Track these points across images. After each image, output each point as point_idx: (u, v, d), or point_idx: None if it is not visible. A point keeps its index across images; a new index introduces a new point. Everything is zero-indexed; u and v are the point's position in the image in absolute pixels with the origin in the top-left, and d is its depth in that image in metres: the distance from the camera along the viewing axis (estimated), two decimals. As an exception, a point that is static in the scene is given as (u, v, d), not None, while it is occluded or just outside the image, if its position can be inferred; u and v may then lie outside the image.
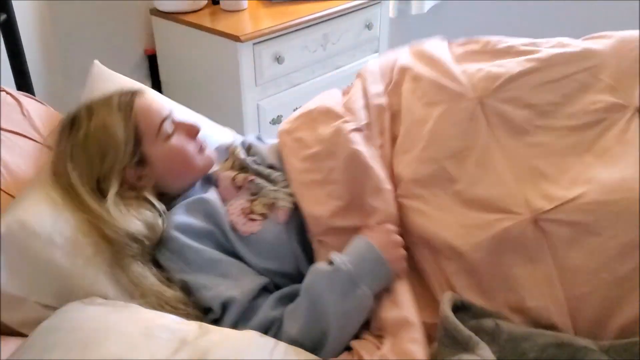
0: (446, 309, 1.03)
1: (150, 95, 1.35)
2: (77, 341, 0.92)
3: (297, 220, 1.26)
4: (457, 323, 1.00)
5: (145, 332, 0.94)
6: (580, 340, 0.99)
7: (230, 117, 2.34)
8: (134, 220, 1.20)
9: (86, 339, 0.92)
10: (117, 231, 1.17)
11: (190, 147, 1.33)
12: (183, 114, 1.59)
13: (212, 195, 1.30)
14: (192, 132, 1.35)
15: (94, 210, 1.19)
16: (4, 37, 1.82)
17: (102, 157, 1.24)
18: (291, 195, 1.28)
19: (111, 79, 1.68)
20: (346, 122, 1.30)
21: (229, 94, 2.31)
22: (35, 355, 0.92)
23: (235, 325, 1.13)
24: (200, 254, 1.19)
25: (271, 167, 1.37)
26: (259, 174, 1.34)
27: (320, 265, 1.13)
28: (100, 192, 1.23)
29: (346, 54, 2.61)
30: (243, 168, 1.38)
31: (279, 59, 2.31)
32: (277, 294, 1.18)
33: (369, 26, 2.63)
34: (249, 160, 1.38)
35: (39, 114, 1.56)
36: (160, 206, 1.27)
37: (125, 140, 1.24)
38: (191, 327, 0.99)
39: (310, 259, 1.24)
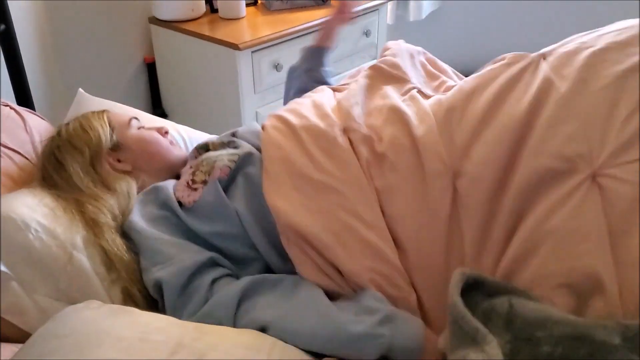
0: (454, 294, 0.94)
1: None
2: (74, 347, 0.91)
3: (243, 182, 1.28)
4: (465, 312, 0.92)
5: (140, 335, 0.94)
6: (601, 331, 0.89)
7: (229, 125, 2.34)
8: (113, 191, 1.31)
9: (82, 344, 0.92)
10: (97, 198, 1.27)
11: (161, 136, 1.45)
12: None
13: (167, 182, 1.34)
14: (160, 129, 1.46)
15: (78, 185, 1.30)
16: (2, 47, 1.83)
17: (83, 147, 1.34)
18: (235, 156, 1.31)
19: (94, 105, 1.70)
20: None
21: (228, 101, 2.32)
22: (32, 362, 0.92)
23: (176, 307, 1.14)
24: (143, 234, 1.22)
25: (234, 135, 1.44)
26: (221, 145, 1.41)
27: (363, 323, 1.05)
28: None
29: (344, 61, 2.62)
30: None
31: (277, 67, 2.32)
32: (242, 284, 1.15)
33: (366, 33, 2.64)
34: (216, 137, 1.47)
35: (40, 131, 1.58)
36: (131, 184, 1.34)
37: (101, 129, 1.37)
38: (187, 329, 0.98)
39: (259, 222, 1.23)
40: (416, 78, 1.43)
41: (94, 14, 2.36)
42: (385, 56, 1.50)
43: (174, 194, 1.29)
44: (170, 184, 1.33)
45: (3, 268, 1.12)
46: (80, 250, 1.18)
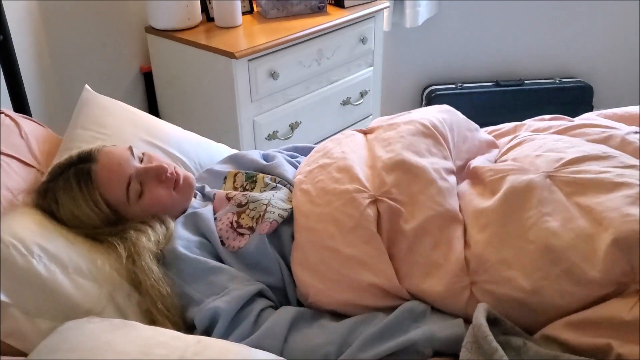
0: (480, 317, 1.01)
1: (107, 157, 1.30)
2: (75, 361, 0.92)
3: (283, 234, 1.27)
4: (488, 333, 0.97)
5: (142, 350, 0.93)
6: None
7: (226, 133, 2.34)
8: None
9: (84, 359, 0.92)
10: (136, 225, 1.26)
11: (163, 192, 1.32)
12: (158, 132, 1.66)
13: (206, 210, 1.31)
14: (160, 175, 1.32)
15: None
16: (0, 57, 1.83)
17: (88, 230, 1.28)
18: (285, 212, 1.28)
19: (99, 104, 1.69)
20: (360, 191, 1.24)
21: (225, 110, 2.32)
22: (33, 377, 0.92)
23: (225, 333, 1.13)
24: (191, 263, 1.20)
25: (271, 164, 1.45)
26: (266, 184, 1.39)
27: None
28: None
29: (341, 69, 2.62)
30: (245, 185, 1.42)
31: (274, 75, 2.32)
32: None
33: (363, 40, 2.64)
34: (255, 154, 1.48)
35: (37, 136, 1.58)
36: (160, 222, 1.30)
37: (101, 217, 1.28)
38: (189, 343, 0.98)
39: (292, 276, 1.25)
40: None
41: (90, 23, 2.36)
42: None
43: (216, 229, 1.27)
44: (209, 212, 1.30)
45: (3, 297, 1.11)
46: (88, 279, 1.17)
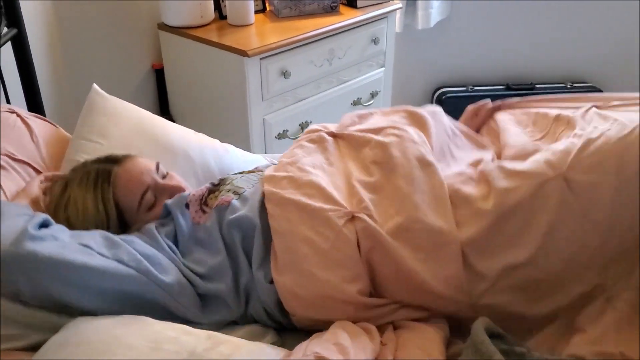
0: (478, 326, 1.02)
1: (132, 163, 1.34)
2: (85, 356, 0.92)
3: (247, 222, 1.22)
4: (485, 338, 0.98)
5: (152, 345, 0.94)
6: None
7: (237, 132, 2.35)
8: None
9: (94, 353, 0.92)
10: None
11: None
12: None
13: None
14: (174, 195, 1.33)
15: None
16: (14, 51, 1.84)
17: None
18: (239, 187, 1.29)
19: (106, 110, 1.63)
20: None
21: (236, 108, 2.33)
22: (43, 370, 0.92)
23: None
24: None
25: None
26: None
27: None
28: None
29: (352, 69, 2.62)
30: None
31: (285, 74, 2.32)
32: None
33: (375, 41, 2.64)
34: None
35: (47, 138, 1.58)
36: None
37: (103, 218, 1.27)
38: (200, 338, 0.98)
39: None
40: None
41: (103, 20, 2.37)
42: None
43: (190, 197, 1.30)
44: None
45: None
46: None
